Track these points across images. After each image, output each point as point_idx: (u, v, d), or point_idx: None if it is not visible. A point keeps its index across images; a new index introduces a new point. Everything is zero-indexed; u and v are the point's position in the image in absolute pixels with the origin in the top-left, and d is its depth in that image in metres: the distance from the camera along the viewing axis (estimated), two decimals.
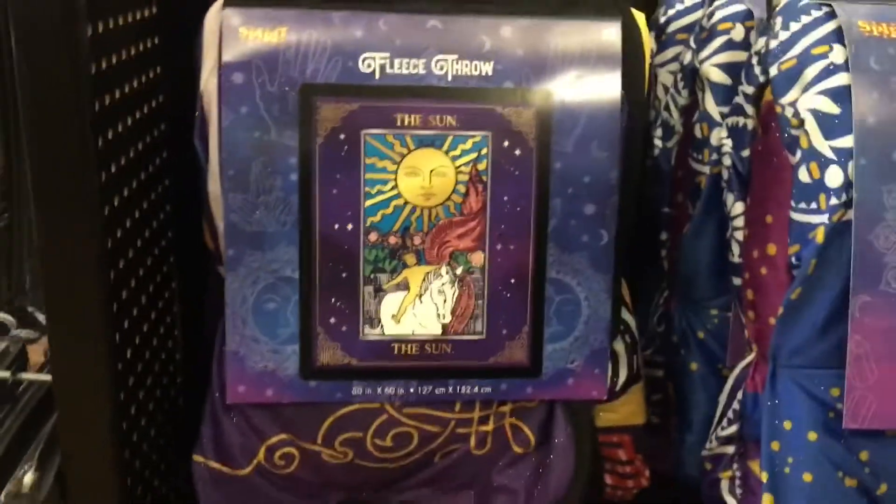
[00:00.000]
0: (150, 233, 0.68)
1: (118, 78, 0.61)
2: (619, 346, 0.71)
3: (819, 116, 0.57)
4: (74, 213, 0.56)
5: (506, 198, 0.64)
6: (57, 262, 0.56)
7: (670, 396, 0.78)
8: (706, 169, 0.68)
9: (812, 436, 0.61)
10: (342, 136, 0.63)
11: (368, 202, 0.64)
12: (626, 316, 0.72)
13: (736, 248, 0.66)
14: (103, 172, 0.57)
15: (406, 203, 0.64)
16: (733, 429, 0.67)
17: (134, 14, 0.65)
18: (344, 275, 0.64)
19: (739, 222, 0.65)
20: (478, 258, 0.66)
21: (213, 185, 0.64)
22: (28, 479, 0.62)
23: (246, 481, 0.69)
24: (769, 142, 0.61)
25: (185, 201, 0.72)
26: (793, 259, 0.60)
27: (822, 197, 0.58)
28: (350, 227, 0.64)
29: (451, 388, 0.67)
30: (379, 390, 0.67)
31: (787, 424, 0.63)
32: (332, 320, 0.65)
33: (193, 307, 0.77)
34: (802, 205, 0.59)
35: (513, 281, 0.66)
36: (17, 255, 0.64)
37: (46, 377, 0.65)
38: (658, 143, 0.74)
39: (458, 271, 0.66)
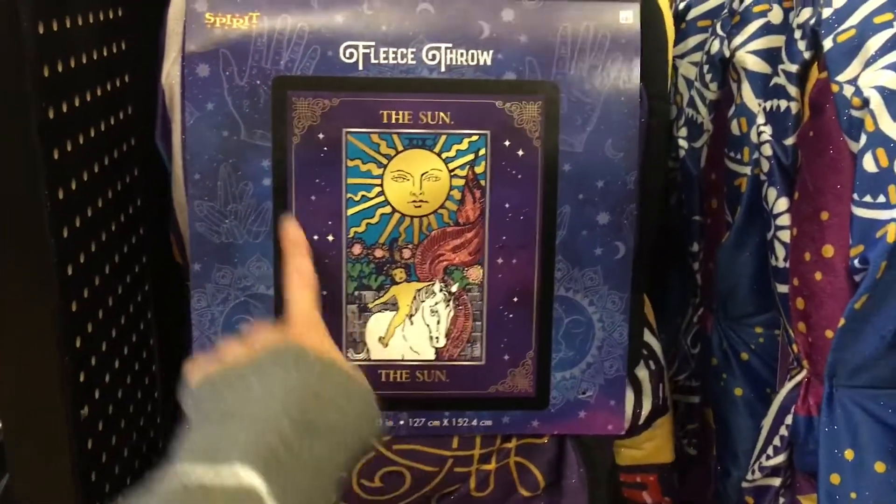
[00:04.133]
0: (119, 256, 0.61)
1: (74, 83, 0.55)
2: (643, 373, 0.63)
3: (887, 95, 0.48)
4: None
5: (507, 205, 0.57)
6: None
7: (709, 425, 0.69)
8: (746, 170, 0.59)
9: (879, 467, 0.53)
10: (321, 136, 0.55)
11: (351, 210, 0.56)
12: (650, 339, 0.64)
13: (780, 251, 0.57)
14: (59, 190, 0.50)
15: (394, 211, 0.57)
16: (780, 458, 0.58)
17: None
18: (324, 292, 0.57)
19: (784, 220, 0.57)
20: (476, 273, 0.58)
21: (178, 192, 0.57)
22: None
23: None
24: (823, 126, 0.53)
25: (159, 214, 0.65)
26: (856, 262, 0.51)
27: (893, 189, 0.49)
28: (331, 238, 0.57)
29: (446, 421, 0.60)
30: None
31: (849, 454, 0.54)
32: None
33: (172, 333, 0.70)
34: (868, 198, 0.50)
35: (515, 299, 0.58)
36: None
37: None
38: (683, 143, 0.65)
39: (454, 288, 0.58)
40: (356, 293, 0.58)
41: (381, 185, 0.56)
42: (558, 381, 0.59)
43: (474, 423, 0.60)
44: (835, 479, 0.54)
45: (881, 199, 0.50)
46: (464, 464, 0.61)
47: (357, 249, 0.57)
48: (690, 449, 0.69)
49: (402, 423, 0.59)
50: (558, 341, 0.59)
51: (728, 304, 0.65)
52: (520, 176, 0.56)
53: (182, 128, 0.55)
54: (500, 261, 0.57)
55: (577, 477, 0.61)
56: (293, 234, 0.55)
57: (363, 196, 0.56)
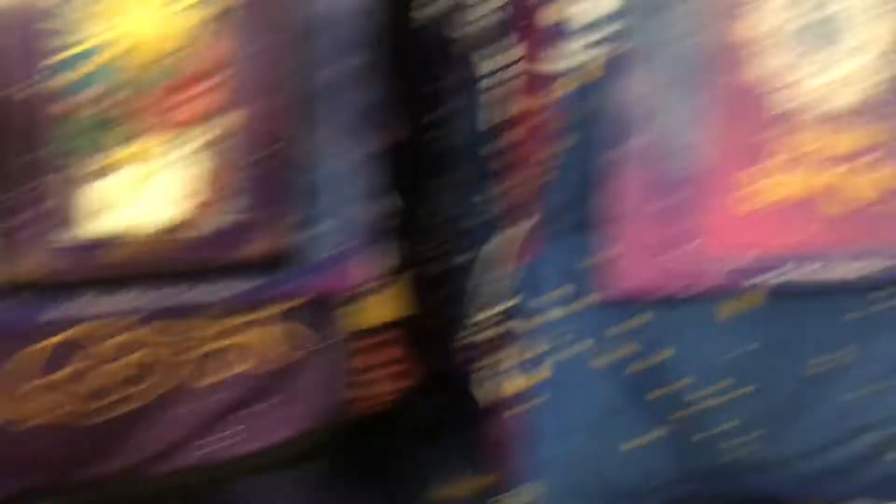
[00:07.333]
0: None
1: None
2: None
3: None
4: None
5: (252, 47, 0.50)
6: None
7: None
8: None
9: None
10: None
11: (57, 56, 0.47)
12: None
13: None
14: None
15: (111, 53, 0.48)
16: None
17: None
18: (21, 157, 0.47)
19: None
20: (220, 123, 0.51)
21: None
22: None
23: None
24: None
25: None
26: None
27: None
28: (27, 89, 0.46)
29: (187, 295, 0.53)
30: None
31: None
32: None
33: None
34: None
35: (263, 151, 0.52)
36: None
37: None
38: None
39: (196, 140, 0.50)
40: (65, 156, 0.48)
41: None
42: (307, 239, 0.55)
43: (217, 294, 0.54)
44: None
45: None
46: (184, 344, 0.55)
47: (64, 103, 0.47)
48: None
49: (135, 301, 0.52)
50: (307, 194, 0.54)
51: None
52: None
53: None
54: (246, 108, 0.51)
55: (322, 341, 0.58)
56: None
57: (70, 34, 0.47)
